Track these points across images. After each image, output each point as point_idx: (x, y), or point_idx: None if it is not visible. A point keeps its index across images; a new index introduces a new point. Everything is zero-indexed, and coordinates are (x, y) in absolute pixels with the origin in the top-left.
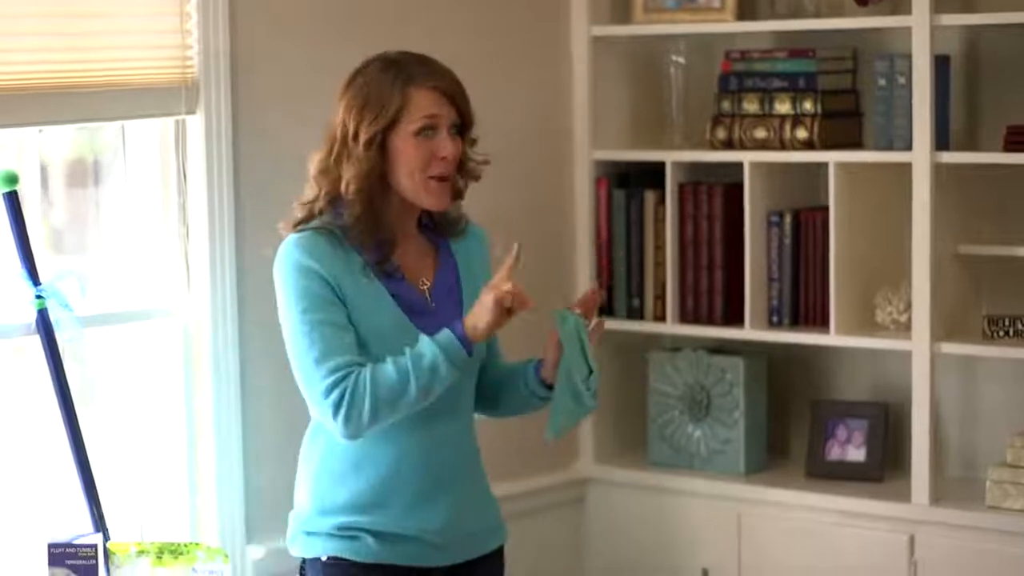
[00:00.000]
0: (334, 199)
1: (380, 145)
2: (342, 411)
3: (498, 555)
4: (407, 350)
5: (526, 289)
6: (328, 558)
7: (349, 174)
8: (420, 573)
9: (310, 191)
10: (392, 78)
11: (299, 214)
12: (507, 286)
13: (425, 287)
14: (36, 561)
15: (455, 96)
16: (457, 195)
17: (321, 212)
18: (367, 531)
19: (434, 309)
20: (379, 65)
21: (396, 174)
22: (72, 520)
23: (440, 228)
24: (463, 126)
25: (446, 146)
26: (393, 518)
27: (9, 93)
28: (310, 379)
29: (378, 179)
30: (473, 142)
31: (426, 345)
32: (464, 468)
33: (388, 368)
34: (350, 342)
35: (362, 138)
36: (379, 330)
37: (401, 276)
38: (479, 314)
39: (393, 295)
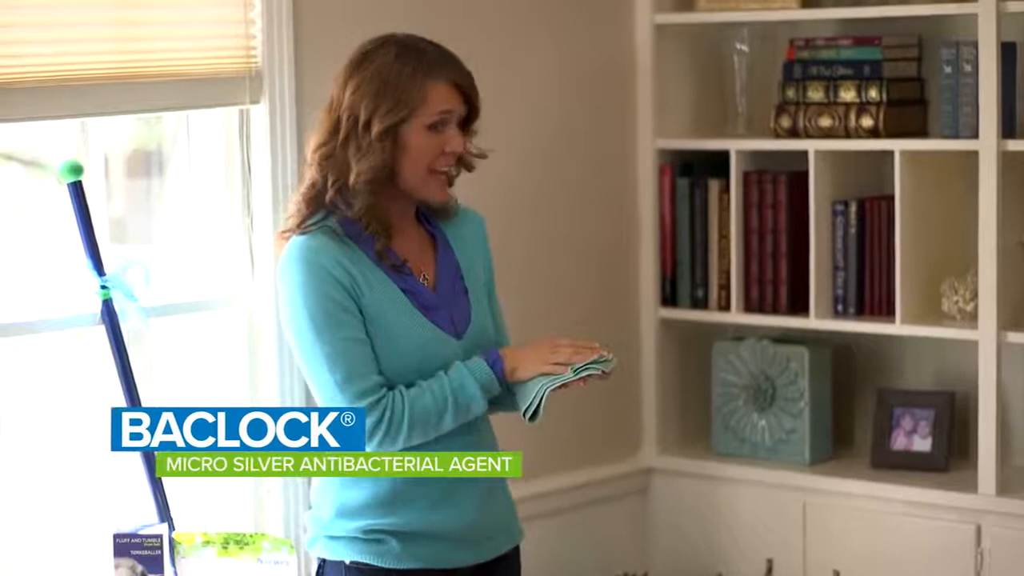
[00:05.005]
0: (342, 188)
1: (393, 136)
2: (377, 437)
3: (516, 554)
4: (444, 379)
5: (592, 281)
6: (351, 562)
7: (362, 165)
8: (445, 575)
9: (312, 177)
10: (411, 69)
11: (305, 208)
12: (565, 353)
13: (427, 279)
14: (102, 552)
15: (469, 91)
16: (450, 183)
17: (331, 202)
18: (392, 533)
19: (441, 301)
20: (393, 51)
21: (400, 166)
22: (137, 510)
23: (436, 213)
24: (468, 119)
25: (456, 141)
26: (420, 515)
27: (73, 84)
28: (335, 401)
29: (388, 171)
30: (474, 133)
31: (467, 380)
32: None
33: (425, 398)
34: (372, 359)
35: (376, 128)
36: (397, 328)
37: (408, 271)
38: (527, 359)
39: (404, 290)
